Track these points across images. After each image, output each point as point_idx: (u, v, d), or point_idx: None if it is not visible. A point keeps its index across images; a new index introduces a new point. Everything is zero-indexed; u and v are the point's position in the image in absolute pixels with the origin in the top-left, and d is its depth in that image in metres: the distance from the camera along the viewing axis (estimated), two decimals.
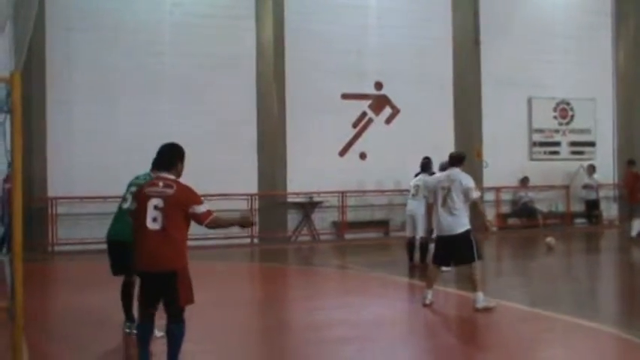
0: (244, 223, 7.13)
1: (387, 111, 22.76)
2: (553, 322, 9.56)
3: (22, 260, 6.49)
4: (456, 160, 10.71)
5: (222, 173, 19.75)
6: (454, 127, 23.42)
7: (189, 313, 6.83)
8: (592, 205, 24.64)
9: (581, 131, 25.17)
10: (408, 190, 15.59)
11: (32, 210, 17.36)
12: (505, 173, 23.47)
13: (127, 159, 17.08)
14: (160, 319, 6.91)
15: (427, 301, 10.39)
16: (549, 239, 17.57)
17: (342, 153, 22.19)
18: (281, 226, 21.09)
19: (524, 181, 23.99)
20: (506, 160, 23.54)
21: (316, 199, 21.47)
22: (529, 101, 24.50)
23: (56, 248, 18.95)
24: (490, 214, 20.74)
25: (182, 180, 6.98)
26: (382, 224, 22.37)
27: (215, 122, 20.37)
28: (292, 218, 21.43)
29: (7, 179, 12.00)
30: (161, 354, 6.95)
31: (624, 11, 25.64)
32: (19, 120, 6.39)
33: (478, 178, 19.97)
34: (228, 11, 20.93)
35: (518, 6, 24.62)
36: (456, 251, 10.25)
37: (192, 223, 6.80)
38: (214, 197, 16.92)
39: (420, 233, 14.49)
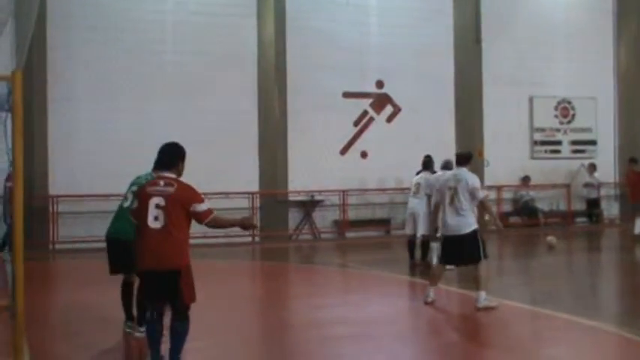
0: (246, 224, 7.13)
1: (389, 109, 22.76)
2: (554, 320, 9.55)
3: (23, 258, 6.50)
4: (462, 160, 10.68)
5: (224, 172, 19.78)
6: (455, 125, 23.43)
7: (190, 310, 6.84)
8: (593, 204, 24.65)
9: (583, 130, 25.17)
10: (409, 189, 15.59)
11: (33, 208, 17.37)
12: (506, 172, 23.48)
13: (128, 157, 17.14)
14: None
15: (429, 299, 10.38)
16: (550, 238, 17.57)
17: (344, 151, 22.20)
18: (282, 225, 21.10)
19: (526, 179, 23.99)
20: (507, 158, 23.55)
21: (317, 197, 21.48)
22: (530, 100, 24.49)
23: (57, 246, 18.97)
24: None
25: (183, 179, 7.00)
26: (383, 223, 22.38)
27: (216, 120, 20.38)
28: (293, 217, 21.45)
29: (8, 178, 12.00)
30: (166, 353, 6.95)
31: (626, 9, 25.61)
32: (21, 118, 6.40)
33: (479, 177, 19.89)
34: (229, 9, 20.94)
35: (520, 4, 24.61)
36: (463, 251, 10.22)
37: (193, 222, 6.82)
38: (215, 196, 16.93)
39: (421, 231, 14.46)
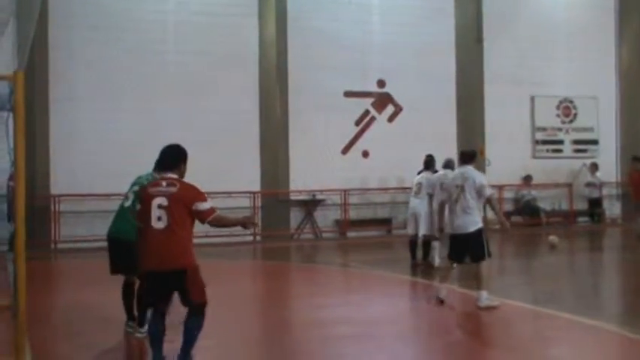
0: (247, 223, 7.15)
1: (390, 109, 22.77)
2: (556, 320, 9.54)
3: (24, 258, 6.50)
4: (467, 158, 10.67)
5: (225, 171, 19.78)
6: (457, 124, 23.44)
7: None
8: (595, 204, 24.64)
9: (584, 129, 25.16)
10: (410, 188, 15.58)
11: (35, 208, 17.37)
12: (508, 171, 23.47)
13: (129, 157, 17.16)
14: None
15: (441, 296, 10.38)
16: (552, 237, 17.49)
17: (345, 151, 22.20)
18: (283, 224, 21.11)
19: (527, 179, 23.98)
20: (509, 158, 23.54)
21: (319, 197, 21.49)
22: (532, 99, 24.48)
23: (59, 246, 18.99)
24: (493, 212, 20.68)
25: (185, 178, 7.01)
26: (385, 222, 22.39)
27: (217, 120, 20.40)
28: (295, 216, 21.46)
29: (11, 178, 12.00)
30: (169, 351, 6.94)
31: (628, 7, 25.58)
32: (22, 118, 6.40)
33: None
34: (231, 9, 20.95)
35: (521, 3, 24.61)
36: (469, 249, 10.23)
37: (196, 222, 6.82)
38: (217, 195, 16.93)
39: (423, 231, 14.43)
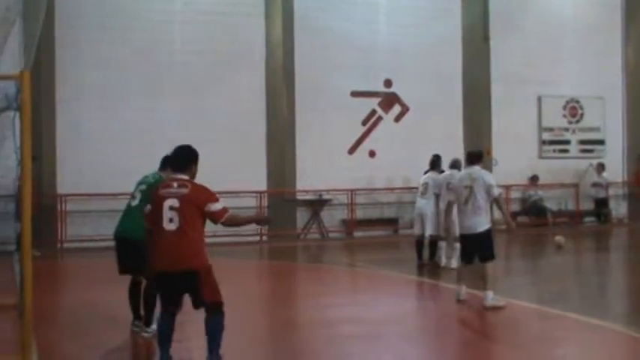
0: (262, 219, 7.15)
1: (397, 109, 22.75)
2: (562, 320, 9.53)
3: (31, 257, 6.51)
4: (474, 158, 10.67)
5: (232, 171, 19.74)
6: (463, 124, 23.39)
7: (200, 310, 6.83)
8: (601, 204, 24.58)
9: (591, 129, 25.10)
10: (417, 188, 15.53)
11: (41, 207, 17.39)
12: (514, 171, 23.38)
13: (136, 156, 17.17)
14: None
15: (461, 297, 10.37)
16: (559, 238, 17.49)
17: (352, 151, 22.19)
18: (290, 224, 21.08)
19: (534, 179, 23.94)
20: (515, 158, 23.48)
21: (325, 196, 21.47)
22: (539, 99, 24.43)
23: (65, 245, 19.02)
24: (499, 212, 20.67)
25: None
26: (391, 222, 22.37)
27: (224, 119, 20.40)
28: (301, 216, 21.45)
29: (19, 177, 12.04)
30: (174, 353, 6.94)
31: (634, 5, 25.49)
32: (29, 118, 6.40)
33: None
34: (237, 9, 20.94)
35: (528, 2, 24.56)
36: (479, 249, 10.23)
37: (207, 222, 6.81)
38: (223, 195, 16.87)
39: (429, 231, 14.42)
